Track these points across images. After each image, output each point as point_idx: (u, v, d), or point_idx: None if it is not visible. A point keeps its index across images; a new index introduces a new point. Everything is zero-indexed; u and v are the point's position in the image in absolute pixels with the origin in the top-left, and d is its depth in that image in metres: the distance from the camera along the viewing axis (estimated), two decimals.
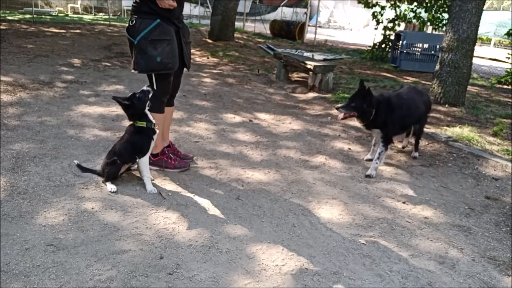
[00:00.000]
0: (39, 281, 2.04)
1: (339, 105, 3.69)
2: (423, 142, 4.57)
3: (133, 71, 3.10)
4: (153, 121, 3.07)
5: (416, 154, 4.25)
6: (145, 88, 3.03)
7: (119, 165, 3.05)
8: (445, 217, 3.08)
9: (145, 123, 3.03)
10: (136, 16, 3.00)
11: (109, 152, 3.14)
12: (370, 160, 3.95)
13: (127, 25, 3.08)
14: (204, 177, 3.38)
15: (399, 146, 4.50)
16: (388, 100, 3.72)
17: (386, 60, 11.40)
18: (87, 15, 21.57)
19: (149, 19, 2.96)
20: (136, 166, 3.32)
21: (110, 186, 3.00)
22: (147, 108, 3.03)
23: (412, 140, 4.33)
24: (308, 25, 17.65)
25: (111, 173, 3.04)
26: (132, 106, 2.98)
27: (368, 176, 3.66)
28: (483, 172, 4.03)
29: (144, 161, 3.06)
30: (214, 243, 2.48)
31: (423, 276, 2.36)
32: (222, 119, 5.03)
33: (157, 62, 2.99)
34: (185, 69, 3.39)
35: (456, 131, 5.04)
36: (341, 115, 3.61)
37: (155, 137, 3.10)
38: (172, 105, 3.52)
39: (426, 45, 10.21)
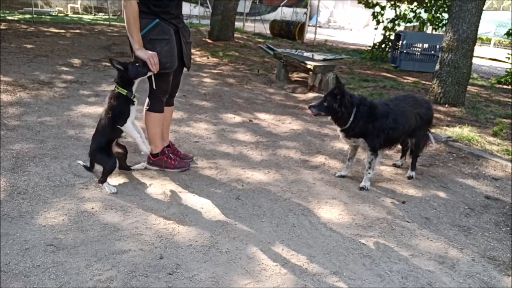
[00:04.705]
0: (39, 281, 2.04)
1: (312, 103, 3.36)
2: None
3: None
4: (134, 93, 3.01)
5: (413, 173, 3.70)
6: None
7: (113, 156, 3.01)
8: (445, 217, 3.08)
9: (125, 91, 2.96)
10: None
11: (95, 134, 3.07)
12: (343, 177, 3.59)
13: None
14: (204, 177, 3.38)
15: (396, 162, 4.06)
16: (371, 106, 3.29)
17: (386, 60, 11.41)
18: (87, 15, 21.57)
19: (148, 18, 2.97)
20: (136, 166, 3.33)
21: (109, 188, 2.97)
22: (146, 108, 3.01)
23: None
24: (308, 25, 17.65)
25: (107, 167, 2.98)
26: (126, 71, 2.92)
27: (362, 188, 3.37)
28: (483, 172, 4.03)
29: (128, 126, 3.00)
30: (214, 243, 2.48)
31: (423, 276, 2.35)
32: (222, 119, 5.03)
33: None
34: (184, 69, 3.39)
35: (456, 131, 5.04)
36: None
37: (133, 108, 3.02)
38: (171, 104, 3.52)
39: (426, 45, 10.21)
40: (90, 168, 3.22)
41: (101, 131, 3.03)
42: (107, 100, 3.03)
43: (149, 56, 2.92)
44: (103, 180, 3.01)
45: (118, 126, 2.99)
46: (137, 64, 2.94)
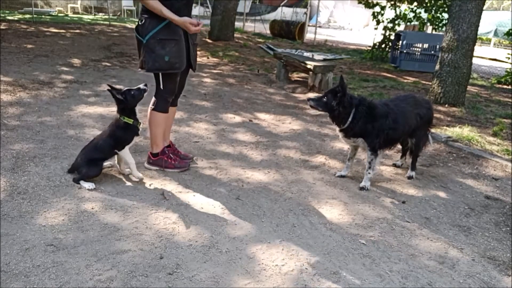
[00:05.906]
0: (39, 281, 2.04)
1: (311, 96, 3.33)
2: None
3: (139, 70, 3.14)
4: (140, 120, 3.12)
5: (413, 173, 3.70)
6: (141, 86, 3.04)
7: (101, 165, 3.06)
8: (445, 217, 3.08)
9: (132, 120, 3.06)
10: (145, 16, 3.02)
11: (86, 148, 3.11)
12: (343, 177, 3.59)
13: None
14: (204, 177, 3.38)
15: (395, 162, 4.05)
16: (370, 106, 3.28)
17: (386, 60, 11.40)
18: (87, 15, 21.56)
19: (158, 18, 2.97)
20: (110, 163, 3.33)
21: (88, 184, 2.98)
22: (151, 107, 3.04)
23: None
24: (308, 25, 17.65)
25: (91, 174, 3.01)
26: (125, 101, 3.00)
27: (362, 188, 3.36)
28: (483, 172, 4.03)
29: (125, 152, 3.10)
30: (214, 243, 2.48)
31: (423, 276, 2.35)
32: (222, 119, 5.03)
33: (164, 61, 3.01)
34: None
35: (456, 131, 5.05)
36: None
37: (136, 137, 3.15)
38: (175, 105, 3.53)
39: (426, 45, 10.21)
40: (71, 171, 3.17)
41: (98, 149, 3.06)
42: (110, 127, 3.11)
43: (189, 22, 2.99)
44: (78, 180, 3.02)
45: (115, 150, 3.09)
46: (132, 92, 3.00)
